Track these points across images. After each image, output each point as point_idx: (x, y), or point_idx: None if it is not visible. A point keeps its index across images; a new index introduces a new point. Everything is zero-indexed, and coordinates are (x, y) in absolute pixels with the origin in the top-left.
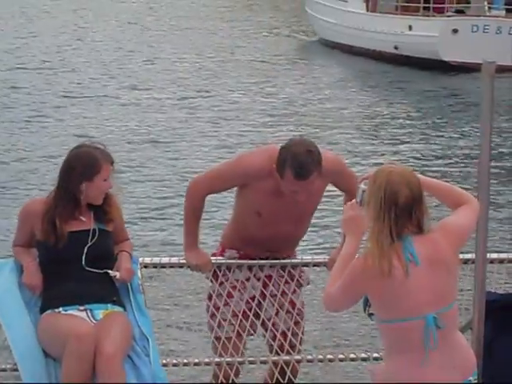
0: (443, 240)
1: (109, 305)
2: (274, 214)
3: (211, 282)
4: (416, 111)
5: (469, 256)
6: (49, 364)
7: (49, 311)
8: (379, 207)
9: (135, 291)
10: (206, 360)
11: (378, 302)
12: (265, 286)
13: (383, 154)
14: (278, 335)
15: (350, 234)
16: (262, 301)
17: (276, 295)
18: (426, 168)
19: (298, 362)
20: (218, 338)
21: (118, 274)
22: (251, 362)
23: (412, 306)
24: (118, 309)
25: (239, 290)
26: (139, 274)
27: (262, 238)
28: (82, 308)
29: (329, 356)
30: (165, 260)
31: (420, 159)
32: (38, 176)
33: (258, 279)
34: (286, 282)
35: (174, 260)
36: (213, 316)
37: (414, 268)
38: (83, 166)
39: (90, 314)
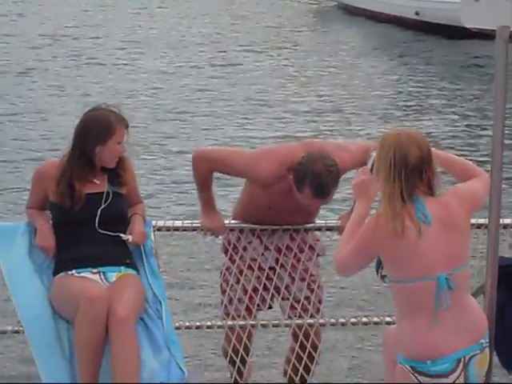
0: (455, 203)
1: (122, 267)
2: (284, 209)
3: (224, 252)
4: (440, 79)
5: (482, 221)
6: (62, 326)
7: (62, 273)
8: (389, 169)
9: (148, 254)
10: (219, 323)
11: (391, 262)
12: (279, 254)
13: (408, 123)
14: (292, 301)
15: (360, 199)
16: (277, 269)
17: (291, 264)
18: (453, 137)
19: (311, 325)
20: (227, 314)
21: (130, 238)
22: (264, 326)
23: (424, 267)
24: (131, 271)
25: (250, 267)
26: (152, 237)
27: (272, 224)
28: (95, 270)
29: (341, 320)
30: (178, 223)
31: (447, 129)
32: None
33: (271, 249)
34: (301, 250)
35: (188, 223)
36: (224, 293)
37: (427, 228)
38: (97, 129)
39: (103, 277)
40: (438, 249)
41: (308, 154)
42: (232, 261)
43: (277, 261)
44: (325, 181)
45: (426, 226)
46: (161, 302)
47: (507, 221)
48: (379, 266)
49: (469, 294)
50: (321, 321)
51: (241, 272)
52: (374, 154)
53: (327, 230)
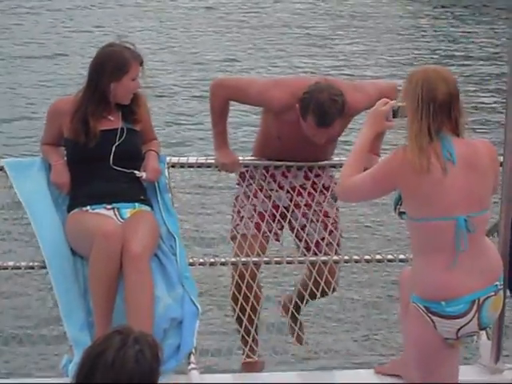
0: (484, 148)
1: (136, 204)
2: (293, 141)
3: (237, 184)
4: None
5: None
6: (76, 261)
7: (76, 210)
8: (417, 105)
9: (162, 191)
10: (233, 260)
11: (412, 199)
12: (293, 193)
13: None
14: (308, 240)
15: (368, 126)
16: (291, 207)
17: (305, 203)
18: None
19: (325, 263)
20: (234, 238)
21: (144, 174)
22: (277, 262)
23: (445, 206)
24: (145, 208)
25: (265, 196)
26: (166, 174)
27: (284, 159)
28: (109, 207)
29: (355, 257)
30: (192, 159)
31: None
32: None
33: (285, 188)
34: (316, 190)
35: (202, 160)
36: (234, 216)
37: (451, 167)
38: (112, 66)
39: (117, 213)
40: (459, 189)
41: (316, 83)
42: (245, 194)
43: (291, 200)
44: (328, 110)
45: (450, 164)
46: (175, 239)
47: None
48: (398, 202)
49: (485, 237)
50: (335, 258)
51: (255, 195)
52: (396, 102)
53: (341, 167)
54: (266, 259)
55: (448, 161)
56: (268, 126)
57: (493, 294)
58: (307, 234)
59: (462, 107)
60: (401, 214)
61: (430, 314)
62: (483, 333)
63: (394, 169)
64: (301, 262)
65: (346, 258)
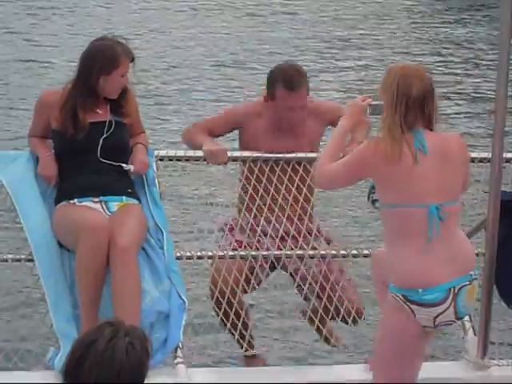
0: (454, 140)
1: (124, 197)
2: (272, 146)
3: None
4: None
5: (485, 154)
6: (63, 254)
7: (63, 202)
8: (391, 99)
9: (150, 184)
10: (220, 253)
11: (384, 187)
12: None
13: None
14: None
15: (346, 117)
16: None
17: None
18: None
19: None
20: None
21: (131, 167)
22: (264, 257)
23: (417, 193)
24: (132, 201)
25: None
26: (154, 167)
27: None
28: (96, 200)
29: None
30: (180, 153)
31: None
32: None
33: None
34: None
35: (190, 153)
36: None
37: (423, 157)
38: (103, 60)
39: (104, 206)
40: (431, 178)
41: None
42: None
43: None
44: (292, 73)
45: (422, 155)
46: (162, 232)
47: (510, 155)
48: (371, 190)
49: (459, 229)
50: (322, 252)
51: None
52: (371, 101)
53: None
54: (253, 253)
55: (420, 151)
56: (246, 146)
57: (467, 283)
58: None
59: (436, 104)
60: (374, 201)
61: (408, 303)
62: (470, 328)
63: (367, 158)
64: (288, 257)
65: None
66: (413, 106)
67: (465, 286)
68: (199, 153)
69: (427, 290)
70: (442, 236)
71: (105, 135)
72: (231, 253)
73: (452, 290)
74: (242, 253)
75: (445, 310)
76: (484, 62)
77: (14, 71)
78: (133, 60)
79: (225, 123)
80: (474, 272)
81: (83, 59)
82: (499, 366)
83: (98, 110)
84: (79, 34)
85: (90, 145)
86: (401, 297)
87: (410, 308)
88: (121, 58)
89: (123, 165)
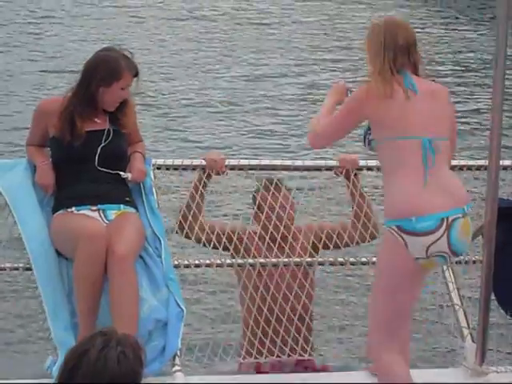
0: (441, 87)
1: (121, 205)
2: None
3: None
4: None
5: (482, 162)
6: (61, 262)
7: (61, 211)
8: (380, 48)
9: (148, 192)
10: (218, 261)
11: (379, 123)
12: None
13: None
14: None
15: (331, 95)
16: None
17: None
18: None
19: (297, 265)
20: None
21: (129, 176)
22: (263, 265)
23: (410, 126)
24: (130, 209)
25: None
26: (152, 176)
27: None
28: (94, 208)
29: (330, 259)
30: (178, 162)
31: None
32: None
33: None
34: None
35: (187, 162)
36: None
37: (413, 95)
38: (104, 70)
39: (102, 214)
40: (422, 114)
41: None
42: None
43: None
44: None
45: (412, 94)
46: (160, 240)
47: (507, 162)
48: (367, 132)
49: (448, 168)
50: (308, 259)
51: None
52: (351, 87)
53: (327, 169)
54: (250, 261)
55: (410, 90)
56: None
57: (460, 215)
58: None
59: (420, 57)
60: (370, 142)
61: (401, 233)
62: (468, 335)
63: (361, 98)
64: (275, 265)
65: (320, 260)
66: (400, 52)
67: (458, 218)
68: (196, 162)
69: (421, 218)
70: (436, 170)
71: (103, 144)
72: (228, 261)
73: (445, 220)
74: (240, 261)
75: (437, 239)
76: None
77: None
78: (137, 75)
79: None
80: (466, 208)
81: (86, 68)
82: (497, 372)
83: (96, 119)
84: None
85: (87, 153)
86: (395, 228)
87: (403, 239)
88: (123, 72)
89: (121, 173)
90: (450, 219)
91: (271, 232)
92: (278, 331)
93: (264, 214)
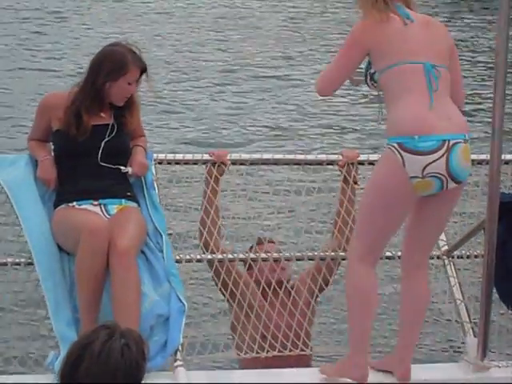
0: (437, 21)
1: (123, 200)
2: None
3: None
4: None
5: (483, 157)
6: (63, 257)
7: (63, 205)
8: None
9: (149, 187)
10: (220, 257)
11: (379, 50)
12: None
13: None
14: None
15: None
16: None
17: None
18: None
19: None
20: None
21: (130, 169)
22: (264, 260)
23: (411, 51)
24: (132, 204)
25: None
26: (153, 170)
27: None
28: (96, 203)
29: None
30: (179, 156)
31: None
32: None
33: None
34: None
35: (189, 157)
36: None
37: (410, 23)
38: (111, 65)
39: (103, 209)
40: (421, 40)
41: None
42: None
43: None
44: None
45: (409, 22)
46: (161, 235)
47: (509, 157)
48: (367, 67)
49: (450, 99)
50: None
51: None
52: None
53: (328, 163)
54: (252, 256)
55: (406, 19)
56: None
57: (462, 141)
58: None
59: None
60: (372, 76)
61: (401, 151)
62: (469, 330)
63: (358, 30)
64: (287, 259)
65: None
66: None
67: (459, 143)
68: (197, 156)
69: (423, 137)
70: (438, 96)
71: (107, 138)
72: (230, 256)
73: (447, 142)
74: (242, 256)
75: (436, 160)
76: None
77: None
78: (145, 70)
79: None
80: (467, 135)
81: (93, 62)
82: (499, 367)
83: (101, 114)
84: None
85: (90, 147)
86: (396, 145)
87: (402, 157)
88: (129, 66)
89: (122, 167)
90: (451, 142)
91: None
92: (279, 326)
93: (257, 267)
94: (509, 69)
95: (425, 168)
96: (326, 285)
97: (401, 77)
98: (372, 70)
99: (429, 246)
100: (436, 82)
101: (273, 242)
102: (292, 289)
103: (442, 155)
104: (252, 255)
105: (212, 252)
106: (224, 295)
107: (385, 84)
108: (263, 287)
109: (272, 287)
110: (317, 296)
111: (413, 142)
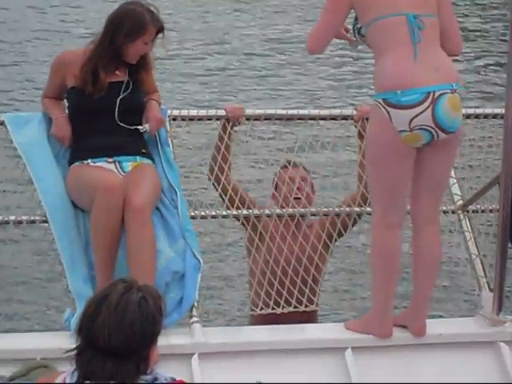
0: None
1: (137, 157)
2: None
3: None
4: None
5: (498, 111)
6: (78, 215)
7: (77, 163)
8: None
9: (163, 144)
10: (235, 212)
11: (362, 3)
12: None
13: None
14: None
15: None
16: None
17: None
18: None
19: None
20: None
21: (147, 127)
22: (279, 215)
23: (394, 3)
24: (146, 161)
25: None
26: (168, 127)
27: None
28: (110, 160)
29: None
30: (193, 112)
31: None
32: None
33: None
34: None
35: (203, 112)
36: None
37: None
38: (130, 25)
39: (118, 166)
40: None
41: None
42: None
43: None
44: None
45: None
46: (176, 192)
47: None
48: (355, 23)
49: (440, 47)
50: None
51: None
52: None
53: (342, 118)
54: (267, 212)
55: None
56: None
57: (449, 91)
58: None
59: None
60: (359, 31)
61: (386, 106)
62: (485, 284)
63: None
64: (302, 215)
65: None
66: None
67: (446, 93)
68: (212, 112)
69: (406, 91)
70: (424, 46)
71: (121, 95)
72: (245, 212)
73: (432, 94)
74: (256, 211)
75: (421, 112)
76: None
77: None
78: (162, 30)
79: None
80: (456, 84)
81: (111, 21)
82: None
83: (117, 72)
84: None
85: (106, 104)
86: (381, 101)
87: (388, 112)
88: (148, 27)
89: (139, 127)
90: (436, 94)
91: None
92: (283, 282)
93: (282, 193)
94: None
95: (411, 121)
96: (345, 230)
97: (384, 30)
98: (359, 25)
99: (434, 199)
100: (418, 34)
101: (297, 167)
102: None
103: (427, 107)
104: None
105: (224, 189)
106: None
107: (371, 39)
108: (286, 220)
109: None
110: (335, 240)
111: (396, 96)
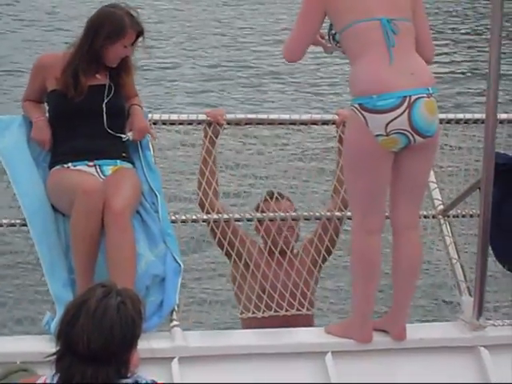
0: None
1: (118, 160)
2: None
3: None
4: None
5: (478, 116)
6: (58, 218)
7: (58, 166)
8: None
9: (144, 147)
10: (215, 217)
11: (338, 11)
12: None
13: None
14: None
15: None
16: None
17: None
18: None
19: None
20: None
21: (130, 136)
22: (249, 220)
23: (368, 8)
24: (127, 165)
25: None
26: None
27: None
28: (91, 164)
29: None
30: (174, 116)
31: None
32: None
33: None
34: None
35: (184, 117)
36: None
37: None
38: (109, 28)
39: (99, 170)
40: None
41: None
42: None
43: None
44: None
45: None
46: (157, 196)
47: (503, 116)
48: (330, 28)
49: (416, 53)
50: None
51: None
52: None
53: (323, 123)
54: (248, 216)
55: None
56: None
57: (425, 95)
58: None
59: None
60: (334, 37)
61: (362, 111)
62: (465, 289)
63: None
64: (294, 219)
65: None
66: None
67: (422, 97)
68: (193, 117)
69: (381, 96)
70: (399, 51)
71: (106, 100)
72: (226, 216)
73: (408, 98)
74: (237, 215)
75: (397, 117)
76: None
77: None
78: (141, 33)
79: None
80: (431, 89)
81: (91, 24)
82: (495, 325)
83: (97, 75)
84: None
85: (86, 108)
86: (357, 106)
87: (364, 117)
88: (127, 30)
89: (123, 135)
90: (412, 98)
91: (270, 245)
92: (275, 286)
93: (263, 226)
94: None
95: (387, 125)
96: (333, 246)
97: (358, 36)
98: (333, 31)
99: (412, 203)
100: (392, 38)
101: (279, 202)
102: (296, 256)
103: (404, 111)
104: (252, 215)
105: (207, 212)
106: (226, 252)
107: (345, 45)
108: (270, 248)
109: (279, 248)
110: (324, 258)
111: (372, 101)
